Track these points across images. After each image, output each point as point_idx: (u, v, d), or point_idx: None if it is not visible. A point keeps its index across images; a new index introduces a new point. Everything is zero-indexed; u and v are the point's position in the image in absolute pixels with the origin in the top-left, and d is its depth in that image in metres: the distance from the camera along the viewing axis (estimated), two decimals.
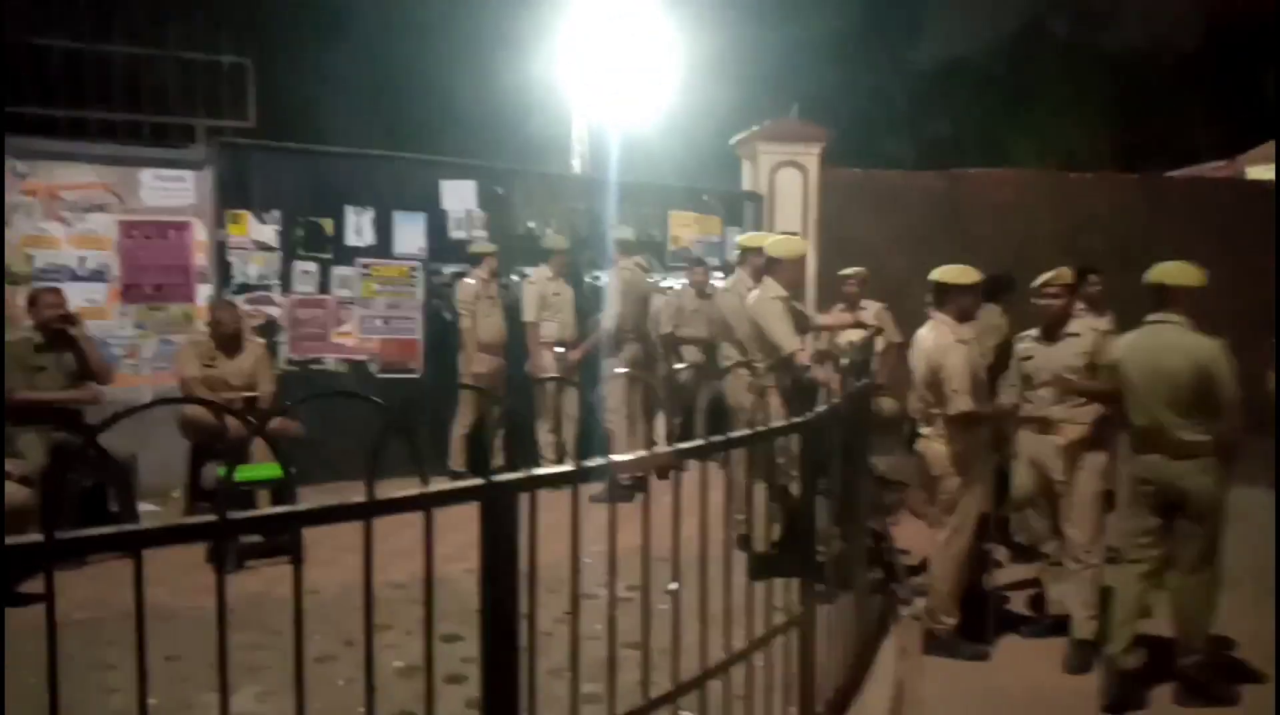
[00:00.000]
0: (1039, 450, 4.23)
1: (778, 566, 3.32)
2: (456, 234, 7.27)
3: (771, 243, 5.00)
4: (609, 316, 6.80)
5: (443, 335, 7.05)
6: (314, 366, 6.79)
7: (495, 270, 6.89)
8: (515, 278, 7.46)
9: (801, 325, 4.72)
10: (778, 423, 3.30)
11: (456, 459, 6.72)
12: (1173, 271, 3.93)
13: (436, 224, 7.20)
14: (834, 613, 3.36)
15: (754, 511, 4.34)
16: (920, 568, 5.10)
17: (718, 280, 7.78)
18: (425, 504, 1.77)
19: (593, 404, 6.88)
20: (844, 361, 3.63)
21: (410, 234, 7.09)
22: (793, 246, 4.89)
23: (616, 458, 2.11)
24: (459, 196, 7.28)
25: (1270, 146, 10.32)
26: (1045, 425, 4.20)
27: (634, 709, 2.17)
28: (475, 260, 6.88)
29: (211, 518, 1.54)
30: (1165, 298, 3.86)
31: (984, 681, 3.94)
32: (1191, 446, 3.64)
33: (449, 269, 7.18)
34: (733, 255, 8.23)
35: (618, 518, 2.18)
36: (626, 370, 6.49)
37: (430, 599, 1.81)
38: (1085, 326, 4.21)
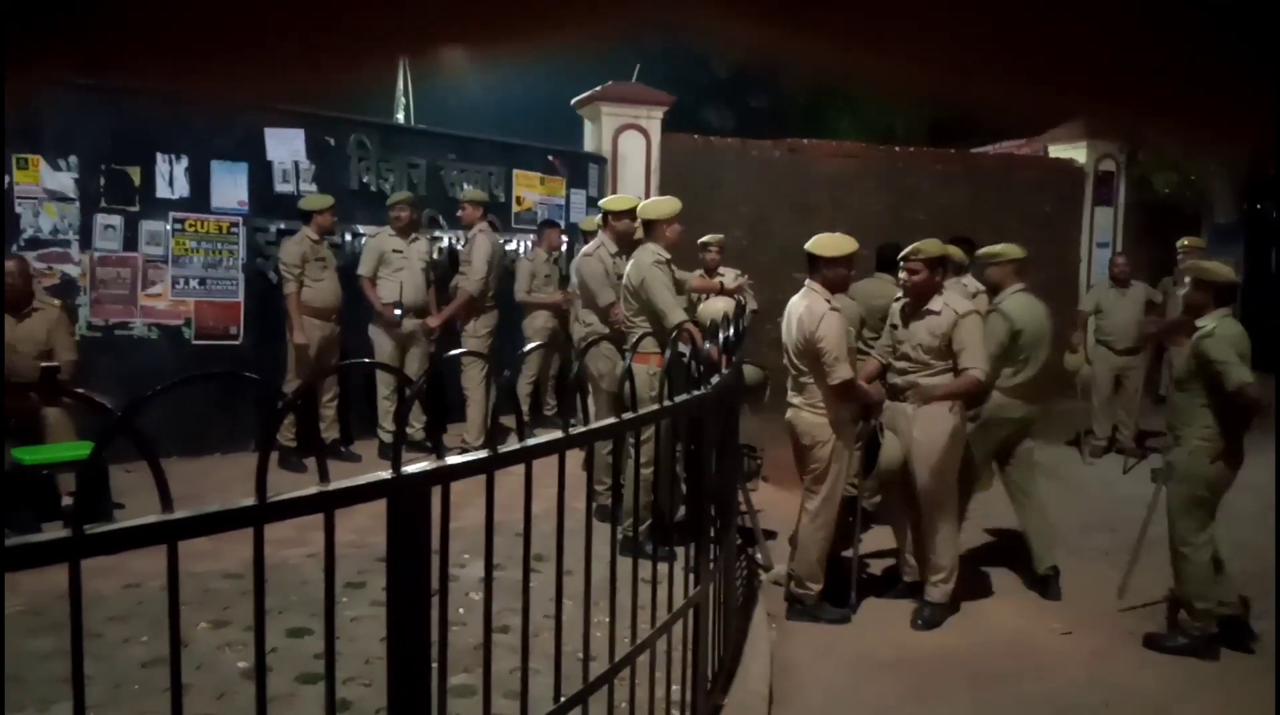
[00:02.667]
0: (897, 418, 4.32)
1: (661, 543, 3.22)
2: (283, 187, 6.66)
3: (643, 205, 4.87)
4: (472, 281, 6.47)
5: (268, 299, 6.48)
6: (119, 332, 6.08)
7: (327, 227, 6.38)
8: (350, 237, 6.97)
9: (680, 288, 4.63)
10: (647, 395, 3.18)
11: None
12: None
13: (261, 176, 6.56)
14: (714, 586, 3.30)
15: (627, 488, 4.23)
16: (774, 533, 5.18)
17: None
18: (325, 504, 1.52)
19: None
20: (720, 335, 3.54)
21: (230, 186, 6.43)
22: (667, 205, 4.78)
23: (532, 441, 1.90)
24: (286, 146, 6.67)
25: (1070, 126, 11.10)
26: (903, 393, 4.29)
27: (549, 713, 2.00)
28: (305, 217, 6.34)
29: (65, 534, 1.23)
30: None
31: (850, 644, 4.03)
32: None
33: (275, 226, 6.60)
34: (578, 218, 8.07)
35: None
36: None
37: (330, 639, 1.56)
38: (946, 305, 4.15)
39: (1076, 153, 11.00)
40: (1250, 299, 12.07)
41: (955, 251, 4.73)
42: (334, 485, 1.51)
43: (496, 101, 14.60)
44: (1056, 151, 11.18)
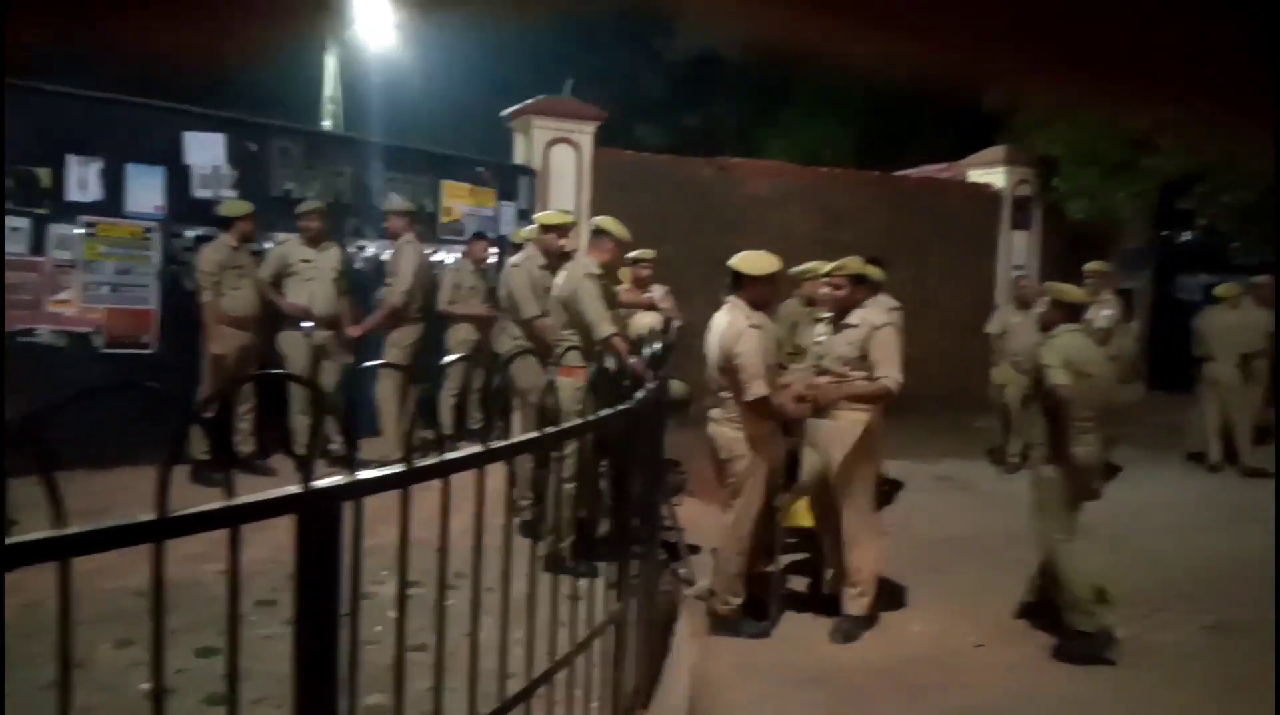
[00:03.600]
0: (817, 433, 4.38)
1: (584, 558, 3.20)
2: (202, 193, 6.48)
3: (600, 220, 4.90)
4: (397, 292, 6.36)
5: (183, 307, 6.28)
6: (24, 339, 5.83)
7: (247, 235, 6.22)
8: (271, 245, 6.82)
9: (612, 303, 4.64)
10: (573, 409, 3.17)
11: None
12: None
13: (178, 180, 6.37)
14: (636, 602, 3.29)
15: (550, 503, 4.22)
16: (698, 548, 5.20)
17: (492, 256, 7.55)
18: (230, 520, 1.47)
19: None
20: (646, 350, 3.55)
21: (146, 190, 6.23)
22: (618, 223, 4.81)
23: (450, 456, 1.88)
24: (206, 151, 6.49)
25: (989, 152, 11.47)
26: (825, 409, 4.35)
27: None
28: (224, 223, 6.17)
29: None
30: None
31: (771, 659, 4.06)
32: None
33: (193, 232, 6.41)
34: (508, 230, 8.03)
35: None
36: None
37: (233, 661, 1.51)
38: (864, 319, 4.30)
39: (994, 178, 11.37)
40: (1157, 322, 12.61)
41: (875, 271, 4.84)
42: (240, 500, 1.47)
43: (428, 112, 14.51)
44: (975, 176, 11.53)
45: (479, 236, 7.52)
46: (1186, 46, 0.35)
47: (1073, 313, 4.49)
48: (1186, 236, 13.16)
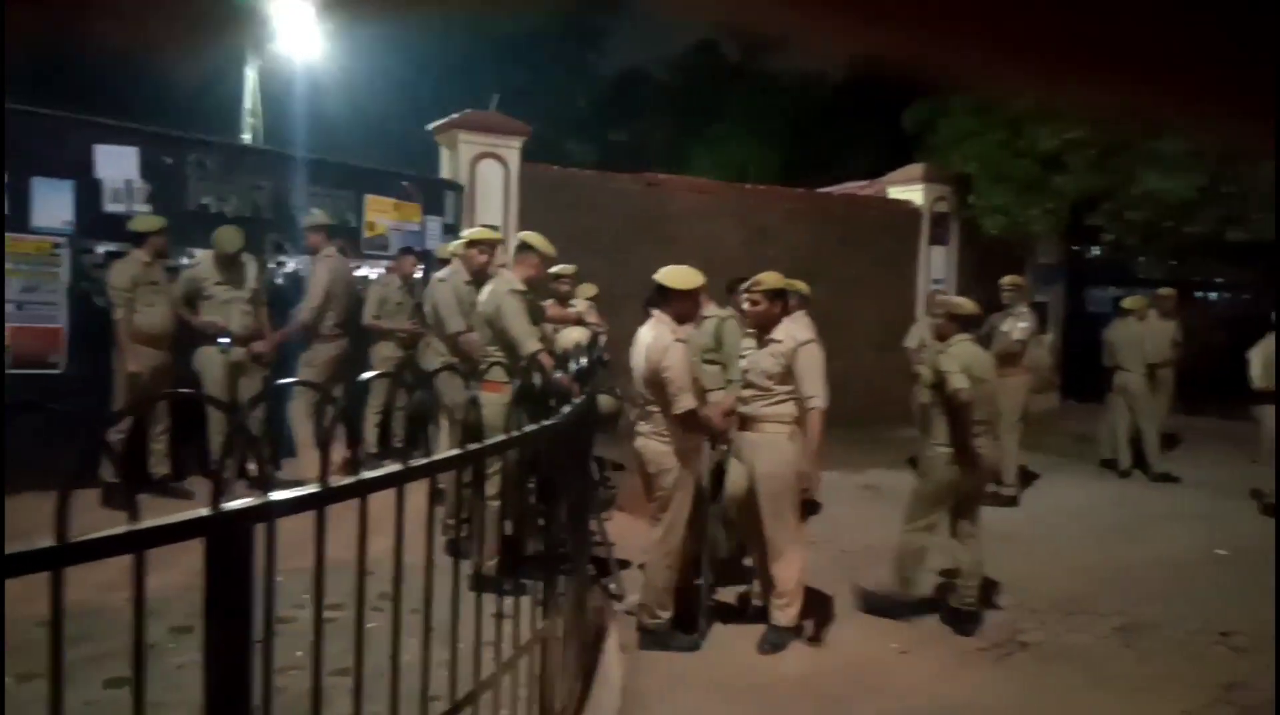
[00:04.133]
0: (742, 446, 4.42)
1: (511, 576, 3.17)
2: (114, 207, 6.27)
3: (525, 235, 4.87)
4: (306, 309, 6.24)
5: (94, 325, 6.05)
6: None
7: (161, 250, 6.04)
8: (187, 260, 6.63)
9: (537, 318, 4.62)
10: (498, 425, 3.14)
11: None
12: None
13: (88, 194, 6.15)
14: (565, 618, 3.27)
15: (476, 522, 4.16)
16: (628, 563, 5.19)
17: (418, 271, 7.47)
18: (135, 545, 1.42)
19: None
20: (573, 364, 3.54)
21: (54, 204, 5.99)
22: (543, 239, 4.78)
23: (368, 475, 1.84)
24: (117, 164, 6.28)
25: (908, 170, 11.76)
26: (749, 422, 4.40)
27: None
28: (136, 238, 5.98)
29: None
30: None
31: (700, 672, 4.06)
32: None
33: (104, 248, 6.20)
34: (434, 244, 7.94)
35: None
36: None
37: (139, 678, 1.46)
38: (788, 333, 4.33)
39: (914, 194, 11.65)
40: (1069, 334, 13.07)
41: (800, 285, 4.92)
42: (145, 524, 1.42)
43: (352, 126, 14.31)
44: (895, 193, 11.80)
45: (407, 251, 7.43)
46: (1185, 35, 0.37)
47: (967, 324, 4.90)
48: (1095, 252, 13.67)
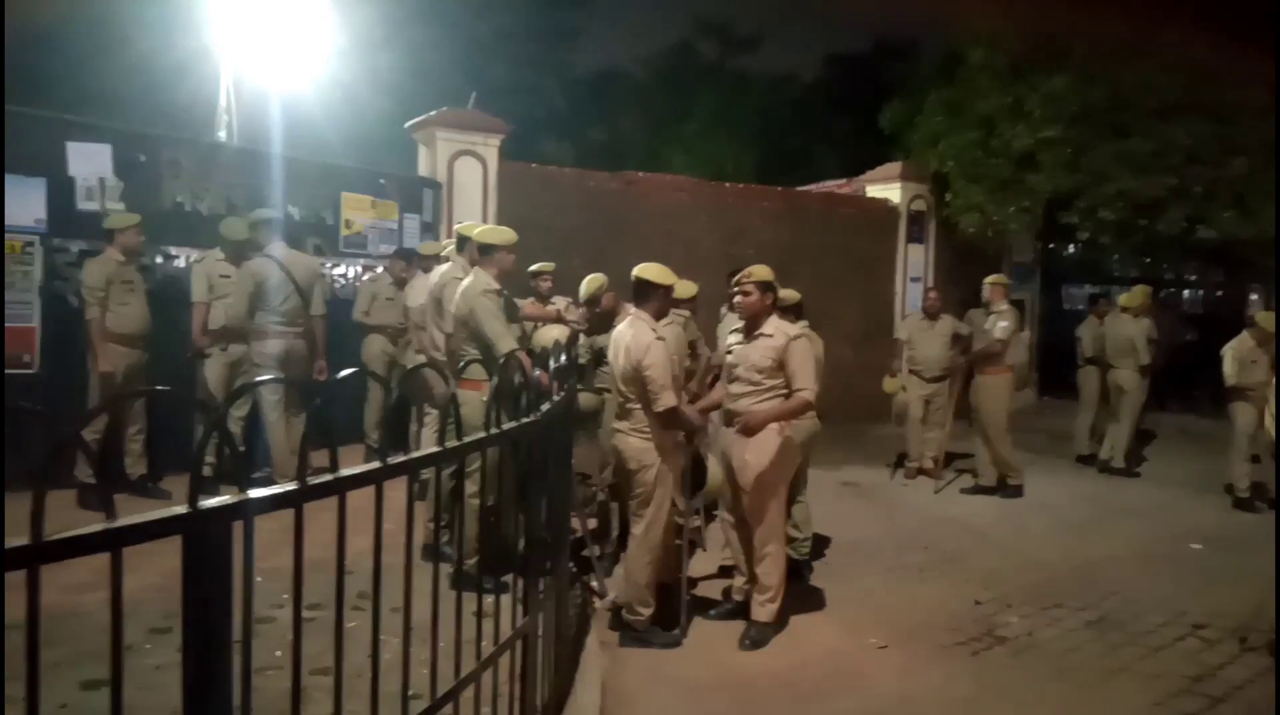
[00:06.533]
0: (727, 442, 4.42)
1: (491, 573, 3.16)
2: (87, 205, 6.19)
3: (481, 230, 4.80)
4: (236, 306, 6.11)
5: (67, 324, 5.98)
6: None
7: (134, 248, 5.97)
8: (161, 258, 6.56)
9: (512, 316, 4.59)
10: (477, 423, 3.13)
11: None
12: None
13: (61, 192, 6.07)
14: (546, 615, 3.27)
15: (458, 519, 4.16)
16: (606, 557, 5.20)
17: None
18: (111, 543, 1.41)
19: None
20: (553, 363, 3.54)
21: (26, 202, 5.91)
22: (504, 233, 4.72)
23: (346, 472, 1.84)
24: (90, 161, 6.21)
25: (886, 168, 11.82)
26: (737, 418, 4.39)
27: None
28: (110, 236, 5.91)
29: None
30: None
31: (681, 668, 4.08)
32: None
33: (76, 246, 6.12)
34: (412, 242, 7.91)
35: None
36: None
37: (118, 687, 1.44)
38: (778, 328, 4.32)
39: (891, 193, 11.71)
40: (1045, 331, 13.19)
41: (792, 295, 4.95)
42: (121, 522, 1.40)
43: (329, 124, 14.19)
44: (873, 191, 11.86)
45: (401, 253, 7.40)
46: None
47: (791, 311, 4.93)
48: (1070, 249, 13.78)
